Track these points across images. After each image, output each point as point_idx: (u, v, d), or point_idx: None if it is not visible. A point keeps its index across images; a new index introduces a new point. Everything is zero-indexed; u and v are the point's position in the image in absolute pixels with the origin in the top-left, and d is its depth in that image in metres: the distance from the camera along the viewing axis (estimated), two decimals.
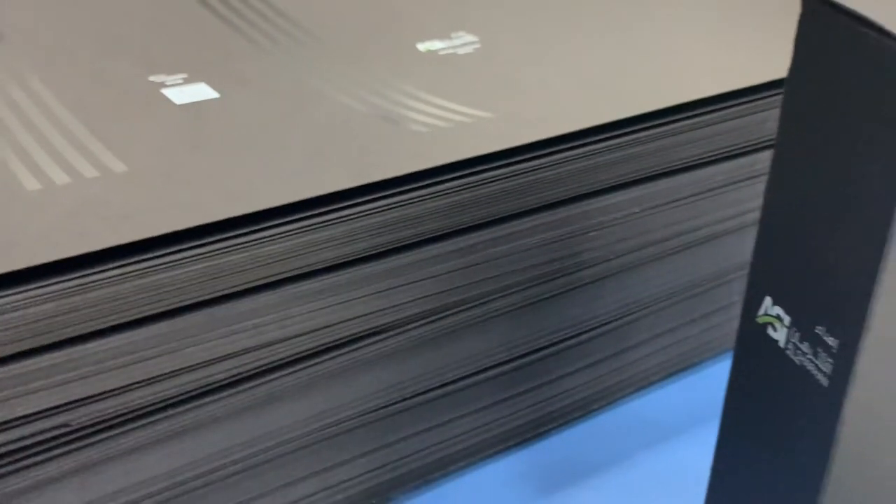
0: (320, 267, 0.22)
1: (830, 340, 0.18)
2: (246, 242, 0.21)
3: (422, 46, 0.32)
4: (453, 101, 0.28)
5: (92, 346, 0.20)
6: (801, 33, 0.18)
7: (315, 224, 0.22)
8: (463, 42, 0.32)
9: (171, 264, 0.20)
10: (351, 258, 0.23)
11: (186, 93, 0.29)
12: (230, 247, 0.21)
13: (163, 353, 0.21)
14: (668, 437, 0.29)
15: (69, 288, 0.19)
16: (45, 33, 0.32)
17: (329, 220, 0.22)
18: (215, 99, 0.28)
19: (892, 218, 0.16)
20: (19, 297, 0.19)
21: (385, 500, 0.26)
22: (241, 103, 0.27)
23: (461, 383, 0.26)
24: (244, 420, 0.22)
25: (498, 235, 0.25)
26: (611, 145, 0.25)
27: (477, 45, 0.32)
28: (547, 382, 0.28)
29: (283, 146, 0.25)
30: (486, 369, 0.26)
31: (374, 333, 0.24)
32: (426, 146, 0.25)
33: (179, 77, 0.29)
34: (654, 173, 0.27)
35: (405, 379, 0.25)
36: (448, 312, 0.25)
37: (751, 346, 0.21)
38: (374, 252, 0.23)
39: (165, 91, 0.28)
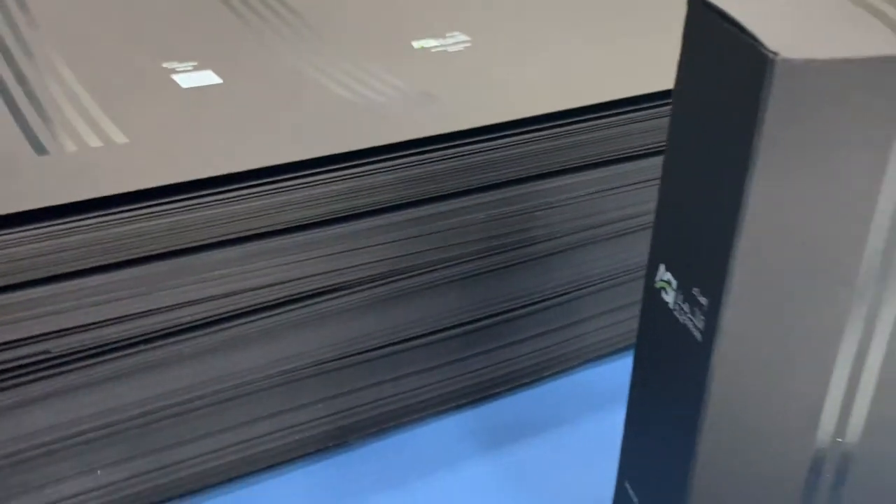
0: (281, 227, 0.25)
1: (703, 300, 0.21)
2: (215, 201, 0.24)
3: (416, 44, 0.35)
4: (421, 87, 0.30)
5: (73, 283, 0.23)
6: (687, 34, 0.20)
7: (279, 188, 0.25)
8: (456, 41, 0.35)
9: (147, 216, 0.23)
10: (311, 221, 0.26)
11: (193, 78, 0.32)
12: (200, 203, 0.24)
13: (135, 295, 0.24)
14: (612, 405, 0.31)
15: (57, 231, 0.22)
16: (75, 22, 0.35)
17: (291, 186, 0.25)
18: (218, 84, 0.31)
19: (742, 193, 0.19)
20: (14, 236, 0.22)
21: (342, 443, 0.29)
22: (239, 88, 0.30)
23: (413, 342, 0.29)
24: (209, 360, 0.25)
25: (447, 209, 0.27)
26: (556, 133, 0.28)
27: (468, 44, 0.35)
28: (497, 348, 0.30)
29: (265, 123, 0.27)
30: (436, 332, 0.29)
31: (330, 291, 0.27)
32: (385, 125, 0.27)
33: (190, 65, 0.32)
34: (599, 161, 0.30)
35: (359, 335, 0.28)
36: (400, 277, 0.27)
37: (650, 311, 0.23)
38: (331, 217, 0.26)
39: (175, 76, 0.31)
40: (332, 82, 0.30)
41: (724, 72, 0.19)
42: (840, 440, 0.22)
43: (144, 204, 0.23)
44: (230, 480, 0.27)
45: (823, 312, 0.20)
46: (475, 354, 0.30)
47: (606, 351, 0.33)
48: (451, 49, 0.34)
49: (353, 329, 0.27)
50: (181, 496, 0.27)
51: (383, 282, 0.27)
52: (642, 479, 0.25)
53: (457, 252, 0.28)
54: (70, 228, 0.22)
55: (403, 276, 0.27)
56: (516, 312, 0.30)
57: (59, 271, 0.23)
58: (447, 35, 0.36)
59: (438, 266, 0.28)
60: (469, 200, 0.27)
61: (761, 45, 0.18)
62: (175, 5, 0.37)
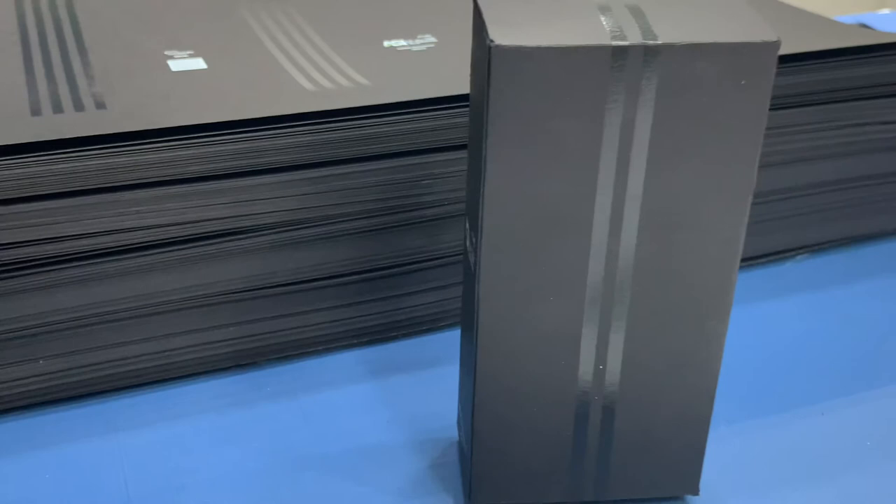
0: (190, 176, 0.31)
1: (475, 240, 0.26)
2: (134, 149, 0.30)
3: (387, 43, 0.41)
4: (361, 75, 0.36)
5: (16, 207, 0.30)
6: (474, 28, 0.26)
7: (188, 143, 0.31)
8: (423, 42, 0.41)
9: (79, 156, 0.30)
10: (214, 174, 0.32)
11: (184, 64, 0.38)
12: (122, 150, 0.30)
13: (67, 221, 0.30)
14: None
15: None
16: (108, 12, 0.43)
17: (198, 142, 0.31)
18: (203, 69, 0.37)
19: (483, 157, 0.24)
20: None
21: (251, 364, 0.35)
22: (218, 72, 0.37)
23: (312, 284, 0.34)
24: (131, 280, 0.32)
25: (343, 173, 0.33)
26: (437, 115, 0.33)
27: (432, 45, 0.40)
28: (394, 297, 0.36)
29: (221, 96, 0.34)
30: (334, 276, 0.35)
31: (236, 233, 0.33)
32: (306, 99, 0.33)
33: (186, 53, 0.39)
34: None
35: (263, 272, 0.34)
36: (299, 226, 0.33)
37: (465, 259, 0.28)
38: (233, 171, 0.32)
39: (170, 62, 0.38)
40: (298, 73, 0.37)
41: (480, 59, 0.24)
42: (602, 367, 0.27)
43: (93, 148, 0.30)
44: (154, 383, 0.34)
45: (566, 253, 0.25)
46: (372, 300, 0.36)
47: None
48: (414, 49, 0.40)
49: (258, 267, 0.33)
50: (108, 391, 0.33)
51: (282, 229, 0.33)
52: (463, 402, 0.30)
53: (351, 209, 0.34)
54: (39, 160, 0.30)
55: (300, 226, 0.33)
56: (409, 267, 0.36)
57: (23, 195, 0.30)
58: (417, 37, 0.41)
59: (334, 220, 0.34)
60: (362, 167, 0.33)
61: (487, 34, 0.23)
62: (199, 2, 0.45)
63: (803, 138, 0.40)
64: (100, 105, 0.33)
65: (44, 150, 0.30)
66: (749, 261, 0.41)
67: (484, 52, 0.23)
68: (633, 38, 0.23)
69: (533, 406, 0.28)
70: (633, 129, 0.24)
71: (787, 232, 0.42)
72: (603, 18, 0.24)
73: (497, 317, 0.26)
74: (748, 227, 0.40)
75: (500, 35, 0.23)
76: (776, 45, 0.23)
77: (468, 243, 0.27)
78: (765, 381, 0.35)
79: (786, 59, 0.37)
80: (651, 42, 0.23)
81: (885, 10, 0.70)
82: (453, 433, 0.32)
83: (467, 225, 0.27)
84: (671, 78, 0.23)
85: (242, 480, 0.30)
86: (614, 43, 0.23)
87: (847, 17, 0.67)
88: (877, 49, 0.39)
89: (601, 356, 0.27)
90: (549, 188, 0.24)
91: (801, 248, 0.42)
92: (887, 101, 0.40)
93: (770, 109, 0.38)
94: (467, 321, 0.28)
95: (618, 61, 0.23)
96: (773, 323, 0.38)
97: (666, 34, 0.23)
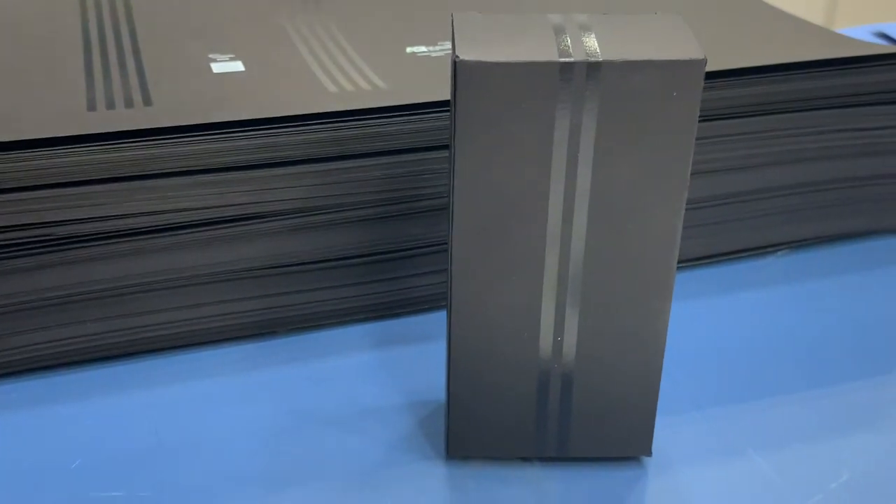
0: (218, 167, 0.36)
1: (449, 229, 0.30)
2: (172, 142, 0.35)
3: (409, 49, 0.45)
4: (380, 79, 0.41)
5: (67, 191, 0.35)
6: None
7: (216, 138, 0.36)
8: (442, 48, 0.45)
9: (124, 148, 0.35)
10: (239, 165, 0.36)
11: (225, 66, 0.43)
12: (160, 143, 0.35)
13: (111, 203, 0.35)
14: None
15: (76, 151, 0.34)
16: (161, 19, 0.48)
17: (226, 137, 0.36)
18: (241, 72, 0.42)
19: (454, 156, 0.28)
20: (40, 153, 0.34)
21: (269, 333, 0.40)
22: (254, 74, 0.41)
23: (324, 264, 0.39)
24: (164, 256, 0.37)
25: (352, 166, 0.38)
26: (438, 116, 0.38)
27: (450, 51, 0.45)
28: (398, 278, 0.40)
29: (252, 97, 0.39)
30: (343, 258, 0.39)
31: (257, 217, 0.37)
32: (325, 100, 0.38)
33: (227, 56, 0.44)
34: None
35: (281, 252, 0.38)
36: (313, 213, 0.38)
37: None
38: (256, 163, 0.37)
39: (213, 64, 0.43)
40: (325, 76, 0.41)
41: (451, 70, 0.28)
42: (560, 340, 0.31)
43: (136, 140, 0.35)
44: (184, 346, 0.39)
45: (526, 239, 0.29)
46: (377, 280, 0.40)
47: None
48: (433, 55, 0.44)
49: (276, 248, 0.38)
50: (145, 352, 0.39)
51: (297, 215, 0.38)
52: (445, 369, 0.34)
53: (358, 199, 0.38)
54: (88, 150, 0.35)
55: (314, 213, 0.38)
56: (411, 252, 0.40)
57: (75, 179, 0.35)
58: (438, 43, 0.46)
59: (344, 208, 0.38)
60: (367, 161, 0.38)
61: (455, 49, 0.27)
62: (243, 9, 0.50)
63: (783, 142, 0.43)
64: (147, 102, 0.38)
65: (93, 142, 0.35)
66: (732, 254, 0.45)
67: (453, 66, 0.27)
68: (579, 55, 0.27)
69: (500, 372, 0.32)
70: (580, 133, 0.28)
71: (770, 229, 0.45)
72: (556, 38, 0.28)
73: (467, 293, 0.30)
74: (735, 224, 0.44)
75: (465, 51, 0.27)
76: (702, 62, 0.27)
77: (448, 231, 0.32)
78: (738, 368, 0.39)
79: (765, 70, 0.41)
80: (593, 59, 0.27)
81: None
82: (441, 397, 0.36)
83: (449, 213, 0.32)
84: (611, 89, 0.27)
85: (256, 431, 0.35)
86: (562, 60, 0.27)
87: (868, 26, 0.70)
88: (858, 60, 0.42)
89: (559, 330, 0.31)
90: (509, 183, 0.29)
91: (781, 244, 0.46)
92: (864, 109, 0.44)
93: (748, 116, 0.42)
94: (447, 298, 0.32)
95: (565, 75, 0.27)
96: (750, 312, 0.42)
97: (607, 52, 0.27)
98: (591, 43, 0.28)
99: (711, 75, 0.40)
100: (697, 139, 0.41)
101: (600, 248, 0.30)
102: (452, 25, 0.29)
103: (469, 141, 0.28)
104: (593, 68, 0.27)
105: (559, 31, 0.28)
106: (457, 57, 0.27)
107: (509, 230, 0.29)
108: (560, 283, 0.30)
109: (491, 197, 0.29)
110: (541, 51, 0.28)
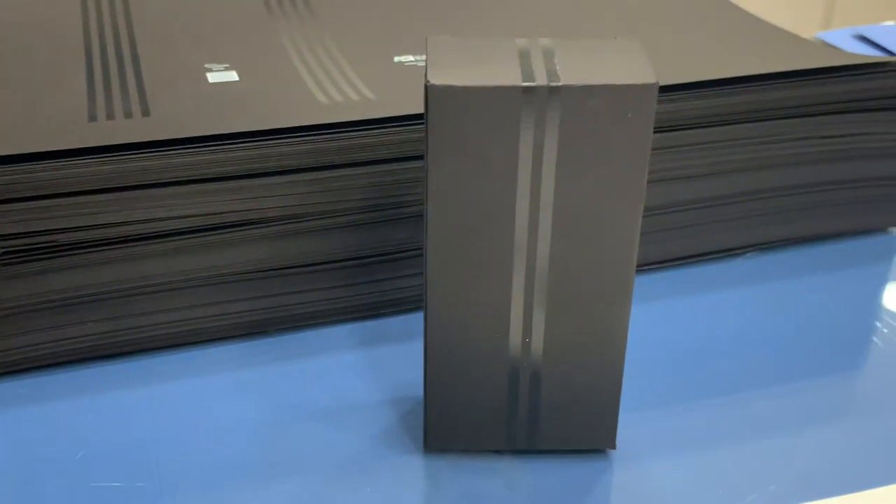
0: (212, 176, 0.38)
1: (424, 237, 0.32)
2: (171, 153, 0.37)
3: (397, 59, 0.47)
4: (369, 89, 0.43)
5: (69, 200, 0.37)
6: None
7: (210, 149, 0.38)
8: None
9: (122, 159, 0.37)
10: (232, 175, 0.39)
11: (220, 76, 0.46)
12: (158, 154, 0.37)
13: (111, 211, 0.37)
14: None
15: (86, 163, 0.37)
16: (161, 30, 0.50)
17: (219, 148, 0.38)
18: (235, 81, 0.45)
19: (427, 175, 0.30)
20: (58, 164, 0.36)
21: (261, 332, 0.42)
22: (246, 84, 0.44)
23: (313, 267, 0.41)
24: (162, 260, 0.39)
25: (340, 175, 0.40)
26: (417, 128, 0.40)
27: None
28: (382, 280, 0.43)
29: (245, 108, 0.41)
30: (331, 261, 0.42)
31: (250, 223, 0.40)
32: (315, 112, 0.40)
33: (223, 66, 0.46)
34: None
35: (272, 257, 0.41)
36: (302, 219, 0.40)
37: None
38: (248, 173, 0.39)
39: (208, 74, 0.45)
40: (316, 87, 0.43)
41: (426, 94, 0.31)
42: (528, 340, 0.33)
43: (134, 152, 0.37)
44: (181, 345, 0.41)
45: (494, 248, 0.32)
46: (364, 282, 0.42)
47: None
48: (420, 64, 0.46)
49: (267, 252, 0.41)
50: (143, 351, 0.41)
51: (288, 222, 0.40)
52: (424, 371, 0.37)
53: (346, 206, 0.41)
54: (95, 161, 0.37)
55: (303, 219, 0.40)
56: (395, 255, 0.42)
57: (77, 189, 0.37)
58: (424, 52, 0.48)
59: (332, 215, 0.41)
60: (351, 171, 0.40)
61: (427, 74, 0.29)
62: (240, 20, 0.52)
63: (752, 150, 0.45)
64: (145, 113, 0.41)
65: (95, 154, 0.37)
66: (702, 256, 0.47)
67: (425, 90, 0.30)
68: (540, 79, 0.29)
69: (473, 370, 0.34)
70: (542, 150, 0.30)
71: (739, 231, 0.48)
72: (521, 62, 0.30)
73: (442, 296, 0.33)
74: (706, 227, 0.46)
75: (436, 76, 0.29)
76: (654, 86, 0.29)
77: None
78: (703, 365, 0.41)
79: (735, 82, 0.43)
80: (553, 84, 0.29)
81: (889, 23, 0.74)
82: (422, 393, 0.39)
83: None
84: (570, 111, 0.30)
85: (248, 425, 0.37)
86: (524, 84, 0.29)
87: (848, 28, 0.72)
88: (823, 71, 0.44)
89: (527, 330, 0.33)
90: (479, 196, 0.31)
91: (750, 246, 0.48)
92: (829, 117, 0.46)
93: (722, 124, 0.44)
94: (424, 300, 0.35)
95: (527, 97, 0.29)
96: (716, 312, 0.44)
97: (567, 76, 0.29)
98: (553, 67, 0.30)
99: (679, 87, 0.43)
100: (671, 147, 0.44)
101: (564, 256, 0.32)
102: (426, 49, 0.31)
103: (441, 157, 0.30)
104: (553, 91, 0.29)
105: (524, 55, 0.31)
106: (428, 82, 0.29)
107: (479, 239, 0.32)
108: (527, 287, 0.33)
109: (462, 209, 0.31)
110: (506, 75, 0.30)
